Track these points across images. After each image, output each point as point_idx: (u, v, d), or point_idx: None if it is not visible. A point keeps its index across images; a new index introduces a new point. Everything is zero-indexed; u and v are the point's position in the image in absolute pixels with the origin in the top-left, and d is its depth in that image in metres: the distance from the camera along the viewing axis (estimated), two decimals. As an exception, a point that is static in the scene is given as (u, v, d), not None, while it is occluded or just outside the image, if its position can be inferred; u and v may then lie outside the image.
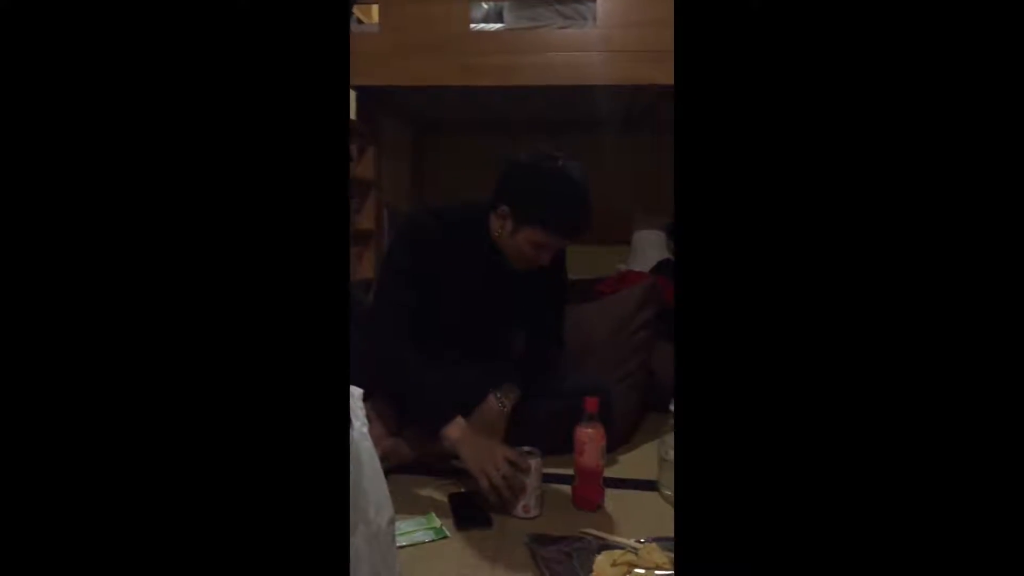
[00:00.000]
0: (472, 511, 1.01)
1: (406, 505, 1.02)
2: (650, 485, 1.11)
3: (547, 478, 1.03)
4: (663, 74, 1.58)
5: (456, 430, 1.07)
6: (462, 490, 1.09)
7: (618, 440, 1.27)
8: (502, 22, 1.70)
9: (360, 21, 2.04)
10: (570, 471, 1.06)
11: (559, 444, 1.07)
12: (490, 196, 1.15)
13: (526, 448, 1.01)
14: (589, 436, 1.03)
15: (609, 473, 1.08)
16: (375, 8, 1.72)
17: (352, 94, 1.73)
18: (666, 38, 1.58)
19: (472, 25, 1.65)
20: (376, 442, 0.74)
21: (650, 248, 2.11)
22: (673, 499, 1.06)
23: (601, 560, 0.84)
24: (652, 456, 1.26)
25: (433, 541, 0.94)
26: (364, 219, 1.98)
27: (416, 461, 1.19)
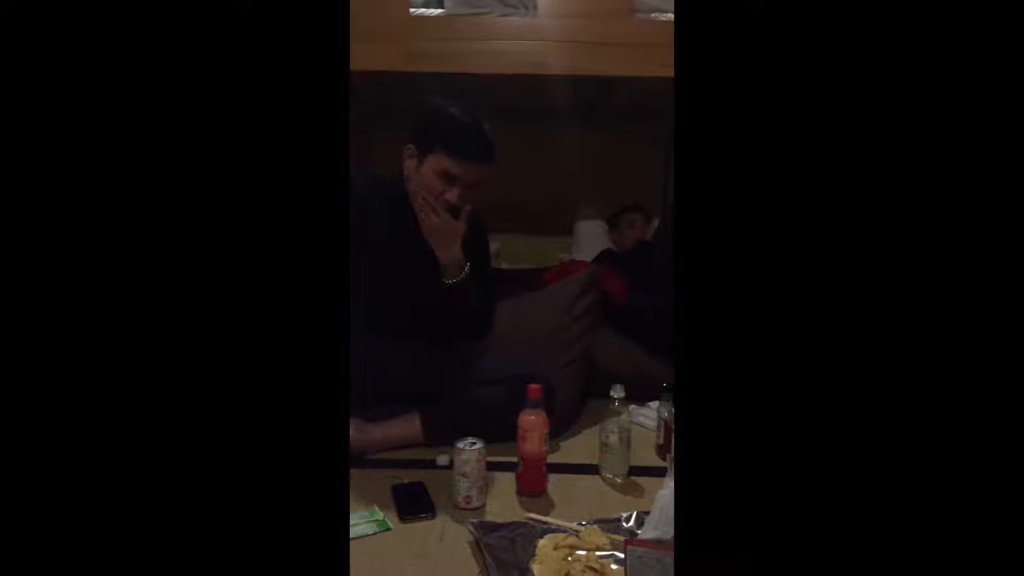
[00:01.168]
0: (415, 502, 1.00)
1: (350, 499, 1.01)
2: (592, 469, 1.13)
3: (490, 466, 1.03)
4: (602, 65, 1.60)
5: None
6: (404, 481, 1.08)
7: (561, 426, 1.29)
8: (442, 7, 1.67)
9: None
10: (513, 458, 1.07)
11: (501, 432, 1.07)
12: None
13: (469, 438, 1.01)
14: (532, 423, 1.04)
15: (552, 459, 1.10)
16: (311, -11, 1.66)
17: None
18: (606, 29, 1.60)
19: (412, 10, 1.62)
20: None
21: (593, 239, 2.14)
22: (615, 482, 1.09)
23: (544, 544, 0.85)
24: (594, 441, 1.29)
25: (376, 533, 0.93)
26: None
27: (362, 453, 1.18)
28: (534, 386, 1.05)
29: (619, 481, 1.09)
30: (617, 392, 1.09)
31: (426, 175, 1.16)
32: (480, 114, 1.17)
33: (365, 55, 1.58)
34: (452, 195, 1.15)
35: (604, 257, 1.98)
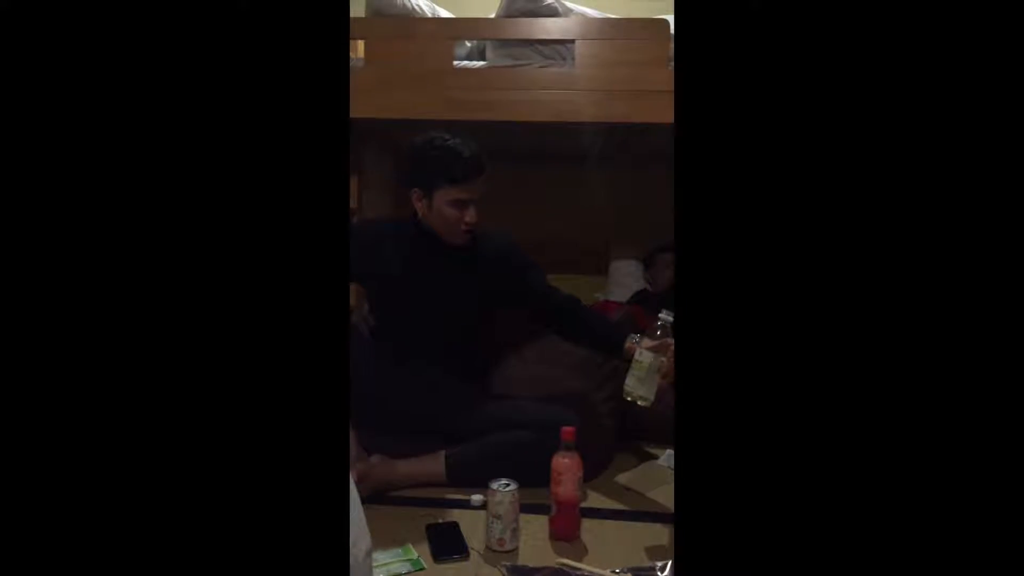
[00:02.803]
0: (449, 542, 1.01)
1: (383, 536, 1.02)
2: (627, 516, 1.12)
3: (524, 508, 1.03)
4: (637, 112, 1.64)
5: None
6: (439, 521, 1.08)
7: (595, 469, 1.28)
8: (484, 60, 1.75)
9: (345, 55, 2.08)
10: (545, 501, 1.06)
11: (528, 478, 1.06)
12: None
13: (503, 480, 1.02)
14: (566, 466, 1.04)
15: (585, 504, 1.09)
16: (361, 43, 1.76)
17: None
18: (640, 78, 1.64)
19: (455, 62, 1.70)
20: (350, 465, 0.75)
21: (627, 278, 2.15)
22: (635, 398, 1.10)
23: (577, 591, 0.84)
24: (630, 484, 1.27)
25: (410, 573, 0.93)
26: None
27: (387, 488, 1.19)
28: (568, 429, 1.05)
29: (641, 404, 1.09)
30: (666, 315, 1.10)
31: (439, 210, 1.25)
32: (454, 132, 1.26)
33: (408, 103, 1.67)
34: (471, 216, 1.25)
35: (639, 297, 1.99)
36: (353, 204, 1.97)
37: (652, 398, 1.09)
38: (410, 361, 1.29)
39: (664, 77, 1.61)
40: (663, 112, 1.65)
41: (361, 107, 1.64)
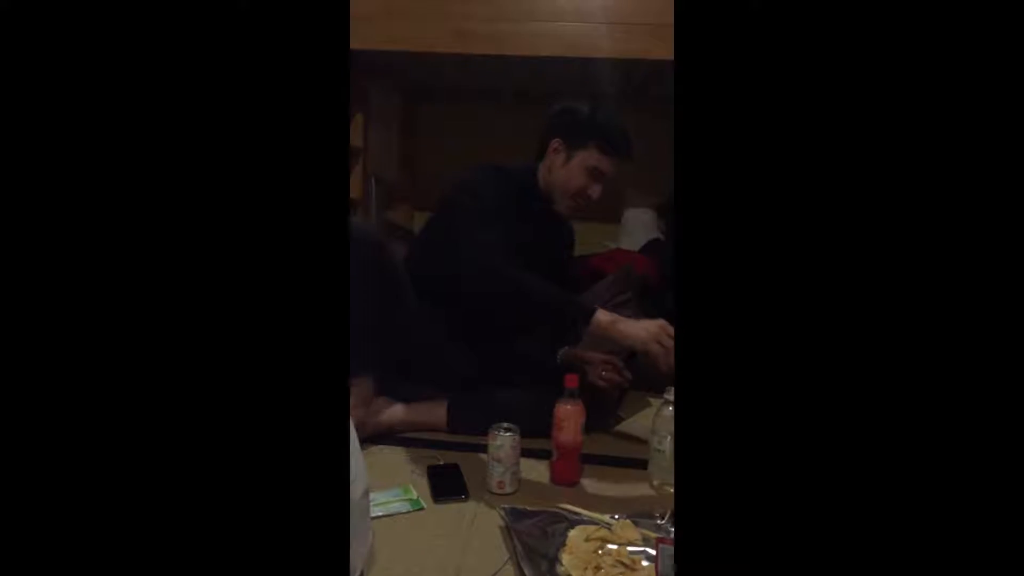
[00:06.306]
0: (449, 483, 1.01)
1: (385, 476, 1.03)
2: (628, 463, 1.12)
3: (525, 453, 1.03)
4: (660, 48, 1.55)
5: (606, 316, 1.10)
6: (441, 462, 1.09)
7: (599, 419, 1.27)
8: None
9: (350, -18, 1.97)
10: (549, 448, 1.06)
11: (531, 430, 1.04)
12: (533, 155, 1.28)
13: (503, 424, 1.01)
14: (568, 412, 1.03)
15: (588, 450, 1.09)
16: (364, -32, 1.66)
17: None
18: (663, 10, 1.54)
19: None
20: (350, 411, 0.74)
21: (640, 227, 2.09)
22: (663, 489, 1.04)
23: (575, 535, 0.85)
24: (632, 433, 1.27)
25: (409, 512, 0.94)
26: (350, 188, 1.95)
27: (388, 431, 1.19)
28: (571, 375, 1.04)
29: (668, 490, 1.02)
30: (670, 394, 1.03)
31: (574, 170, 1.23)
32: (617, 112, 1.26)
33: (414, 34, 1.59)
34: (595, 191, 1.24)
35: (652, 246, 1.94)
36: (359, 142, 1.91)
37: None
38: (447, 307, 1.24)
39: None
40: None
41: (363, 38, 1.57)
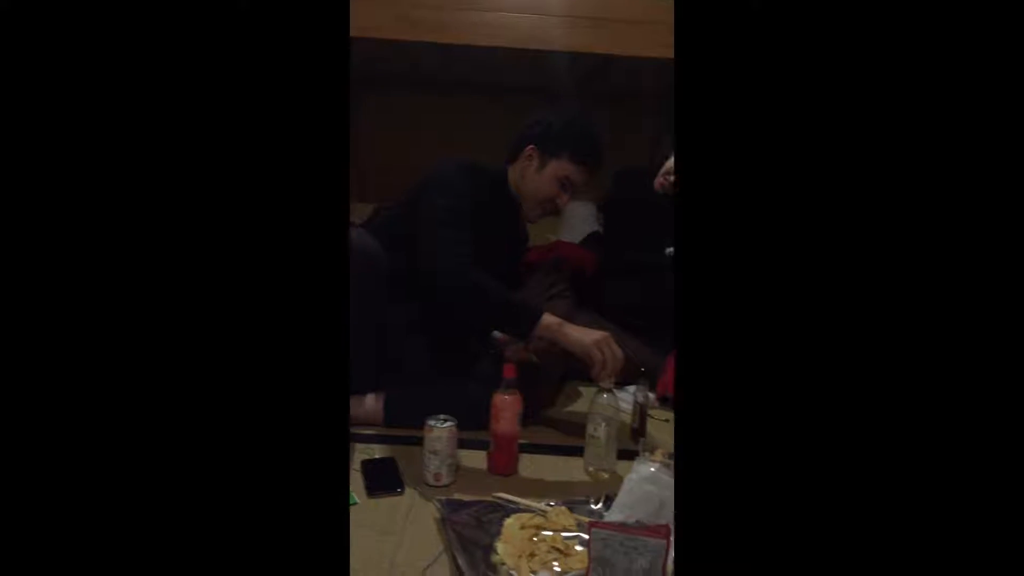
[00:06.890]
0: (384, 477, 0.99)
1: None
2: (565, 451, 1.13)
3: (462, 443, 1.02)
4: (602, 42, 1.57)
5: (552, 319, 1.13)
6: (375, 456, 1.07)
7: (536, 408, 1.28)
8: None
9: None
10: (485, 438, 1.06)
11: (469, 424, 1.04)
12: (505, 157, 1.28)
13: (441, 416, 1.00)
14: (506, 403, 1.03)
15: (524, 439, 1.09)
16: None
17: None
18: (606, 5, 1.56)
19: (409, -26, 1.57)
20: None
21: (580, 221, 2.12)
22: (598, 475, 1.06)
23: (510, 523, 0.85)
24: (566, 422, 1.29)
25: (342, 506, 0.92)
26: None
27: None
28: (509, 366, 1.04)
29: (604, 476, 1.05)
30: (607, 384, 1.07)
31: (546, 178, 1.24)
32: (593, 123, 1.27)
33: (361, 17, 1.54)
34: (563, 201, 1.26)
35: (592, 239, 1.96)
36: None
37: (615, 468, 1.05)
38: (405, 304, 1.21)
39: (641, 6, 1.53)
40: (629, 44, 1.58)
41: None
